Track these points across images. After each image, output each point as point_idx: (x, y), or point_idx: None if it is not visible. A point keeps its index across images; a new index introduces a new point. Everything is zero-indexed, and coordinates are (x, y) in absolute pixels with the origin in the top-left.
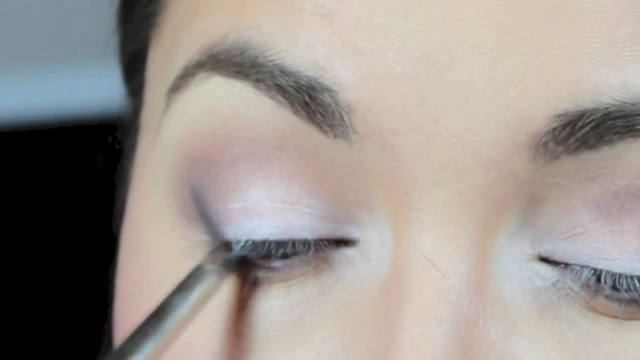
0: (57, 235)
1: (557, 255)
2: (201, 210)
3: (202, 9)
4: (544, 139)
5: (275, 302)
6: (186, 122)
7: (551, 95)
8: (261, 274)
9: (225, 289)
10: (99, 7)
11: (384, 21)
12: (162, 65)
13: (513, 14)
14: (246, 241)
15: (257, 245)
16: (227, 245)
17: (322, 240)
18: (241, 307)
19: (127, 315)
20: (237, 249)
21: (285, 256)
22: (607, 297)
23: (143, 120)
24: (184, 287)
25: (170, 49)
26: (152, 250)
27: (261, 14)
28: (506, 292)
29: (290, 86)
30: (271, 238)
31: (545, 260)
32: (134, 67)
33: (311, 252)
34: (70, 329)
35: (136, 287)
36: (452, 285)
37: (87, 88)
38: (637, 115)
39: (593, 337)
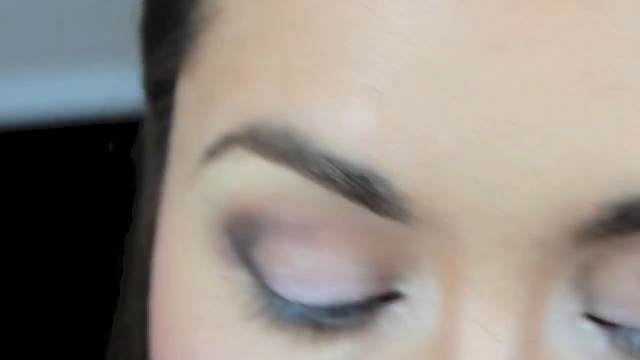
0: (57, 235)
1: (607, 317)
2: (244, 257)
3: (244, 72)
4: (594, 227)
5: (320, 356)
6: (225, 191)
7: (603, 183)
8: (308, 327)
9: (262, 336)
10: (100, 9)
11: (435, 101)
12: (198, 110)
13: (564, 93)
14: (296, 303)
15: (306, 307)
16: (276, 295)
17: (370, 297)
18: (281, 358)
19: (164, 349)
20: (286, 310)
21: (333, 315)
22: None
23: (175, 147)
24: None
25: (209, 100)
26: (190, 288)
27: (309, 96)
28: (559, 351)
29: (341, 177)
30: (322, 304)
31: (595, 319)
32: (159, 90)
33: (359, 311)
34: (67, 327)
35: (174, 323)
36: (505, 350)
37: (87, 88)
38: None
39: None
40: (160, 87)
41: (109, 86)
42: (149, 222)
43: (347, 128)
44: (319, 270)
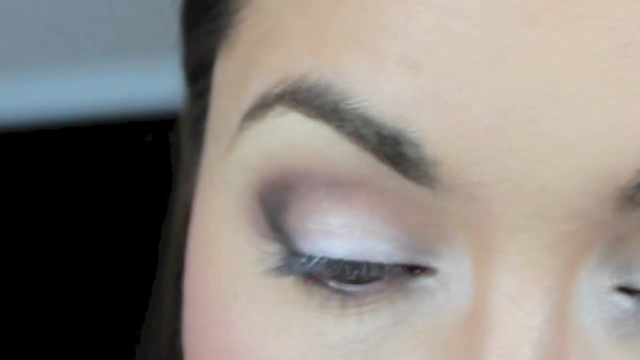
0: (57, 235)
1: (637, 285)
2: (275, 225)
3: (280, 36)
4: (631, 192)
5: (349, 329)
6: (263, 151)
7: (638, 148)
8: (334, 296)
9: (291, 308)
10: (101, 9)
11: (470, 73)
12: (235, 83)
13: (599, 67)
14: (321, 258)
15: (331, 263)
16: (298, 255)
17: (397, 266)
18: (314, 331)
19: (201, 326)
20: (310, 264)
21: (359, 279)
22: None
23: (211, 127)
24: None
25: (245, 70)
26: (226, 262)
27: (344, 57)
28: (586, 325)
29: (373, 137)
30: (346, 258)
31: (624, 290)
32: (197, 73)
33: (385, 277)
34: (63, 328)
35: (210, 299)
36: (535, 325)
37: (87, 88)
38: None
39: None
40: (199, 68)
41: (109, 86)
42: (184, 210)
43: (381, 89)
44: (350, 226)
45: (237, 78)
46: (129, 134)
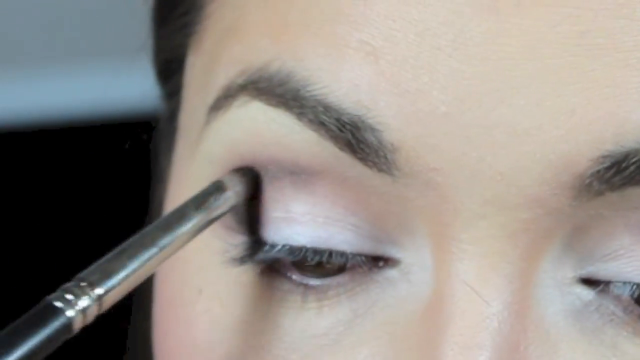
0: (57, 235)
1: (599, 276)
2: (239, 217)
3: (243, 28)
4: (588, 180)
5: (308, 323)
6: (227, 141)
7: (595, 136)
8: (296, 290)
9: (254, 302)
10: (101, 9)
11: (429, 60)
12: (202, 77)
13: (558, 54)
14: (283, 245)
15: (293, 250)
16: (261, 244)
17: (361, 255)
18: (275, 325)
19: (167, 322)
20: (273, 252)
21: (321, 269)
22: None
23: (181, 124)
24: (200, 200)
25: (211, 64)
26: (191, 258)
27: (305, 45)
28: (548, 316)
29: (333, 123)
30: (309, 245)
31: (586, 281)
32: (169, 70)
33: (348, 270)
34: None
35: (176, 295)
36: (494, 313)
37: (87, 88)
38: None
39: None
40: (170, 67)
41: (109, 86)
42: (159, 210)
43: (341, 76)
44: (312, 214)
45: (203, 73)
46: (130, 134)
